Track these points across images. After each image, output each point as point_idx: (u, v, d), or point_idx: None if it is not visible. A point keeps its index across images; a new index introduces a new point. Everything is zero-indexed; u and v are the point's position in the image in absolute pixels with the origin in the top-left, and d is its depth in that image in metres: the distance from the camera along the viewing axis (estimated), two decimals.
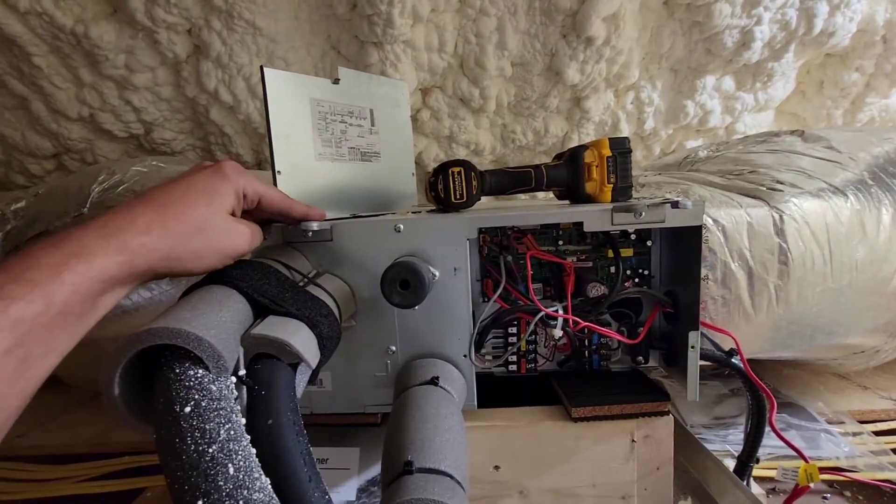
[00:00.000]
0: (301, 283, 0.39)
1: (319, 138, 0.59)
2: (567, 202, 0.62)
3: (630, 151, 0.53)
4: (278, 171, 0.54)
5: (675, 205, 0.39)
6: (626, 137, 0.53)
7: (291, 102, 0.56)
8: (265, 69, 0.52)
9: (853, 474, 0.63)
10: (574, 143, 1.38)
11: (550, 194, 0.61)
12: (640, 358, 0.52)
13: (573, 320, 0.44)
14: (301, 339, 0.30)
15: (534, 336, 0.52)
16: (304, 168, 0.57)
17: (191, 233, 0.31)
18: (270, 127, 0.53)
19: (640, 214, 0.39)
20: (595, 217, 0.42)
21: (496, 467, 0.48)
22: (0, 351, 0.22)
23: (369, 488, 0.46)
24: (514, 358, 0.53)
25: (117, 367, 0.25)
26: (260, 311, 0.32)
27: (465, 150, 1.38)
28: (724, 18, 1.03)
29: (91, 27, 1.03)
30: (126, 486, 0.68)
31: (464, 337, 0.45)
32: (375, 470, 0.47)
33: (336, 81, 0.60)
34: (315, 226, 0.42)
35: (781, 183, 0.54)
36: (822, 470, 0.64)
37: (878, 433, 0.71)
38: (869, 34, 1.14)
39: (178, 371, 0.24)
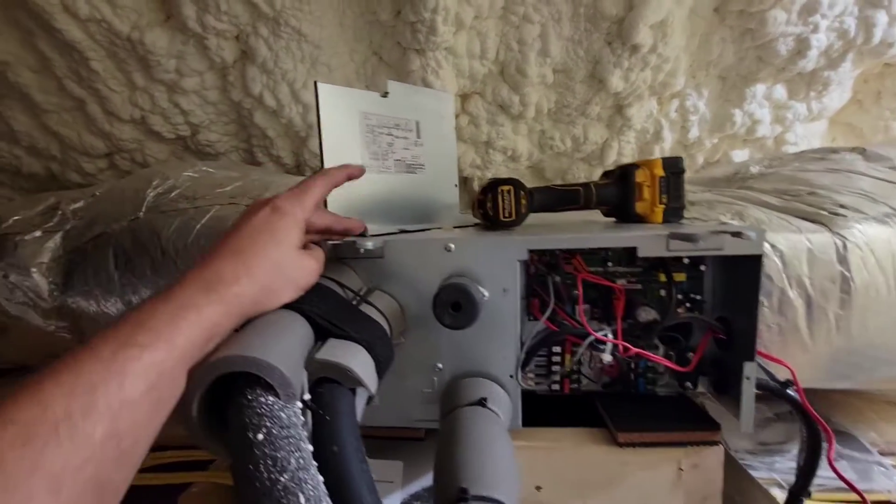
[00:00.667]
0: (355, 302, 0.40)
1: (367, 151, 0.60)
2: (613, 220, 0.61)
3: (683, 172, 0.52)
4: None
5: (735, 234, 0.38)
6: (680, 158, 0.51)
7: (342, 116, 0.57)
8: (319, 84, 0.53)
9: None
10: (614, 151, 1.35)
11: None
12: (689, 384, 0.50)
13: (624, 346, 0.43)
14: (361, 363, 0.31)
15: (584, 352, 0.51)
16: (352, 182, 0.58)
17: (271, 275, 0.33)
18: (322, 142, 0.54)
19: (698, 243, 0.38)
20: (650, 243, 0.41)
21: (538, 488, 0.48)
22: (139, 394, 0.24)
23: (412, 503, 0.46)
24: (557, 377, 0.52)
25: (196, 393, 0.26)
26: (321, 334, 0.33)
27: (501, 156, 1.37)
28: (778, 26, 0.99)
29: (146, 33, 1.07)
30: (172, 481, 0.70)
31: (510, 357, 0.45)
32: (418, 484, 0.48)
33: (385, 95, 0.61)
34: (370, 244, 0.43)
35: (844, 207, 0.51)
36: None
37: None
38: None
39: (250, 398, 0.25)
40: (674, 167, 0.51)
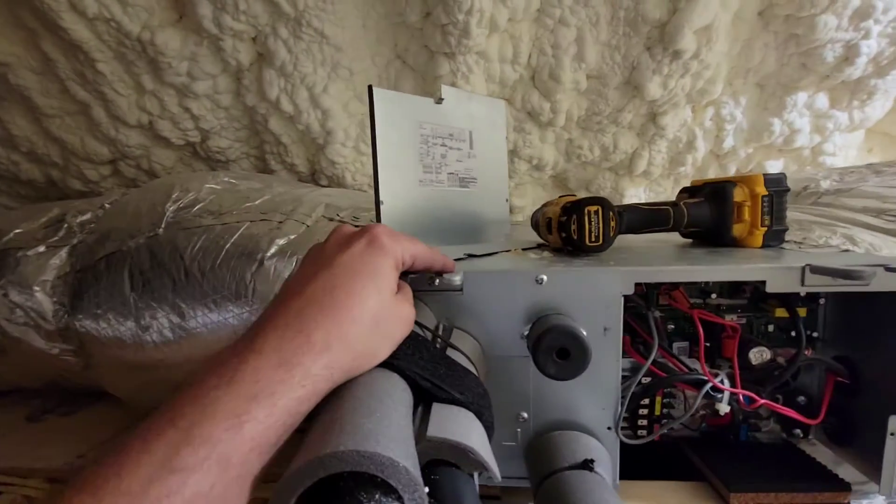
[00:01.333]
0: (438, 345, 0.34)
1: (421, 164, 0.54)
2: (692, 241, 0.55)
3: (788, 190, 0.46)
4: (382, 202, 0.49)
5: (889, 268, 0.33)
6: (783, 174, 0.46)
7: (397, 126, 0.50)
8: (374, 89, 0.47)
9: None
10: (644, 160, 1.29)
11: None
12: (799, 431, 0.44)
13: (748, 396, 0.37)
14: (480, 439, 0.25)
15: (669, 399, 0.45)
16: (404, 197, 0.52)
17: (368, 334, 0.26)
18: (377, 153, 0.48)
19: (857, 280, 0.32)
20: (780, 276, 0.35)
21: None
22: None
23: None
24: (644, 422, 0.46)
25: (293, 494, 0.19)
26: (420, 396, 0.27)
27: (526, 165, 1.31)
28: (828, 31, 0.95)
29: (157, 34, 1.01)
30: None
31: (609, 407, 0.39)
32: None
33: (440, 101, 0.55)
34: (458, 279, 0.36)
35: None
36: None
37: None
38: None
39: None
40: (777, 185, 0.45)
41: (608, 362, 0.38)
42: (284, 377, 0.22)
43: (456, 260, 0.43)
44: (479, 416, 0.27)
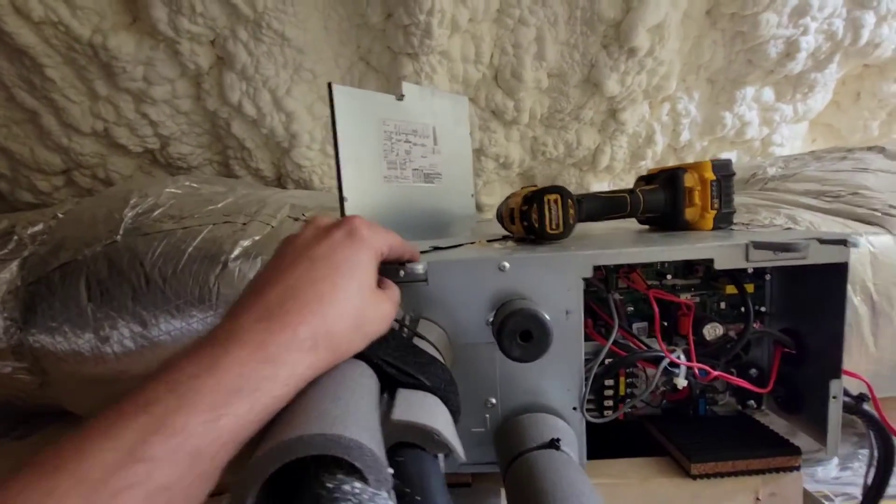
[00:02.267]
0: (405, 335, 0.34)
1: (385, 160, 0.54)
2: (647, 228, 0.57)
3: (733, 174, 0.48)
4: (345, 198, 0.49)
5: (840, 241, 0.35)
6: (729, 160, 0.48)
7: (359, 122, 0.51)
8: (334, 86, 0.47)
9: None
10: (606, 156, 1.33)
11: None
12: (753, 402, 0.47)
13: (702, 369, 0.39)
14: (445, 422, 0.25)
15: (632, 379, 0.47)
16: (370, 193, 0.52)
17: (352, 332, 0.25)
18: (339, 150, 0.48)
19: (794, 252, 0.34)
20: (727, 253, 0.37)
21: None
22: None
23: None
24: (610, 402, 0.48)
25: (257, 481, 0.19)
26: (386, 383, 0.27)
27: (493, 163, 1.33)
28: (770, 28, 1.00)
29: (109, 38, 0.97)
30: None
31: (574, 388, 0.40)
32: None
33: (401, 97, 0.55)
34: (420, 268, 0.37)
35: (894, 207, 0.50)
36: None
37: None
38: None
39: (330, 487, 0.19)
40: (724, 170, 0.47)
41: (571, 344, 0.39)
42: (270, 374, 0.22)
43: (422, 252, 0.44)
44: (446, 401, 0.28)
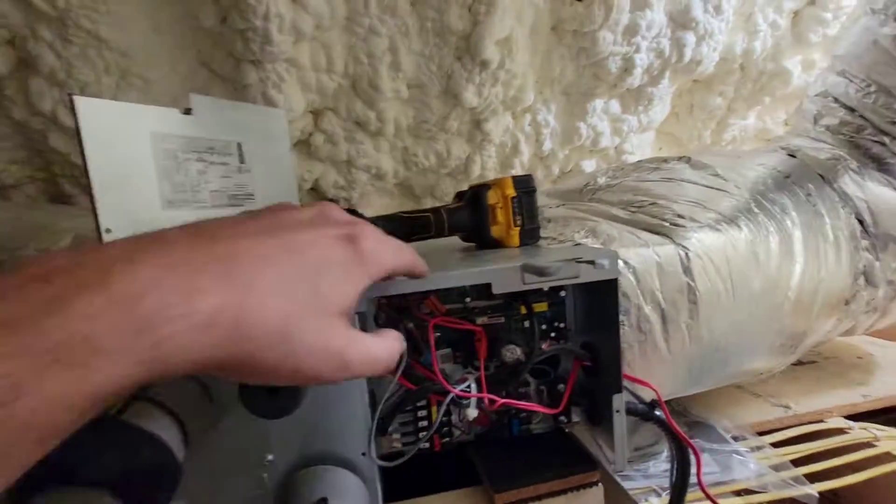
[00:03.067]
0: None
1: (168, 182, 0.47)
2: (473, 245, 0.56)
3: (535, 190, 0.48)
4: (106, 230, 0.42)
5: (589, 262, 0.35)
6: (530, 175, 0.48)
7: (123, 140, 0.43)
8: (76, 98, 0.40)
9: (763, 496, 0.64)
10: (477, 165, 1.35)
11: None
12: (563, 418, 0.47)
13: (489, 399, 0.38)
14: None
15: (447, 407, 0.45)
16: (145, 222, 0.45)
17: (274, 340, 0.19)
18: (90, 174, 0.40)
19: (551, 276, 0.34)
20: (504, 277, 0.36)
21: None
22: None
23: None
24: (426, 433, 0.45)
25: None
26: None
27: (366, 175, 1.29)
28: (607, 45, 1.07)
29: None
30: None
31: (361, 432, 0.37)
32: None
33: (188, 111, 0.49)
34: None
35: (681, 217, 0.53)
36: (738, 493, 0.64)
37: (775, 444, 0.73)
38: (729, 62, 1.26)
39: None
40: (525, 185, 0.47)
41: (352, 385, 0.36)
42: (132, 340, 0.16)
43: None
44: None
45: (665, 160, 0.75)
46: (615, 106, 1.25)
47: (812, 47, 1.31)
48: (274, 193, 0.58)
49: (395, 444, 0.44)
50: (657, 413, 0.44)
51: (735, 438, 0.73)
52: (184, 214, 0.48)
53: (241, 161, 0.54)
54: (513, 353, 0.41)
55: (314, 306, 0.21)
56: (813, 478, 0.66)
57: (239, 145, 0.54)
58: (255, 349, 0.19)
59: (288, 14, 0.88)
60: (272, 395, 0.30)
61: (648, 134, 1.40)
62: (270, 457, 0.36)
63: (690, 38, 1.12)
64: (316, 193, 1.32)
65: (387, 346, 0.25)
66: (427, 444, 0.45)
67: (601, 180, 0.75)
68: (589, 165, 1.39)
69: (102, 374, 0.16)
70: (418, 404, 0.44)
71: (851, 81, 0.75)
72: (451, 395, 0.37)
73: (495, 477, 0.41)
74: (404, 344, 0.27)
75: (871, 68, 0.72)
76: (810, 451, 0.71)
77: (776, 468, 0.67)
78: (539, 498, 0.41)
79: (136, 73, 0.97)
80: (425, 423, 0.45)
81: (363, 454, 0.37)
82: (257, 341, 0.19)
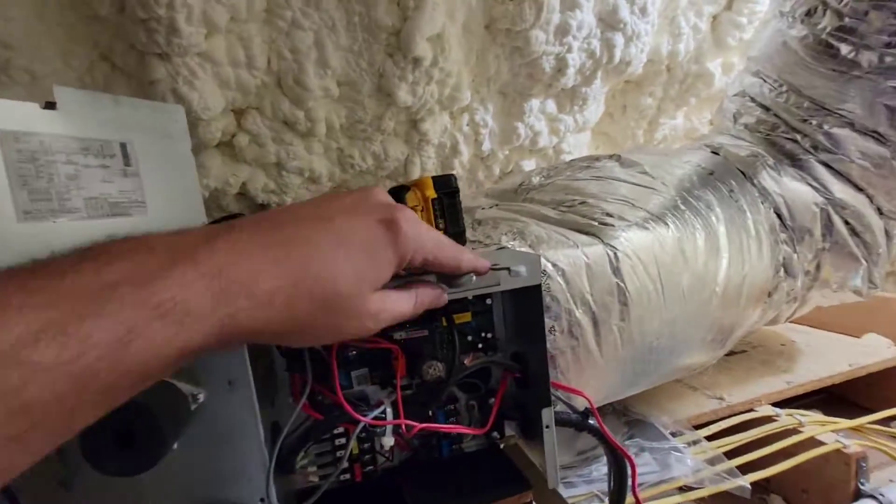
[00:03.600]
0: None
1: (24, 190, 0.40)
2: None
3: (457, 191, 0.45)
4: None
5: (506, 269, 0.32)
6: (452, 175, 0.45)
7: None
8: None
9: (701, 491, 0.64)
10: (416, 167, 1.31)
11: None
12: (496, 434, 0.44)
13: (406, 425, 0.34)
14: None
15: (365, 433, 0.41)
16: None
17: (319, 312, 0.25)
18: None
19: (467, 286, 0.31)
20: None
21: None
22: None
23: None
24: (345, 463, 0.41)
25: None
26: None
27: (299, 178, 1.22)
28: (540, 45, 1.07)
29: None
30: None
31: (257, 474, 0.32)
32: None
33: (50, 106, 0.42)
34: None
35: (610, 216, 0.52)
36: (680, 489, 0.64)
37: (709, 437, 0.75)
38: (656, 64, 1.29)
39: None
40: (445, 186, 0.44)
41: (241, 422, 0.31)
42: (211, 308, 0.20)
43: None
44: None
45: (597, 158, 0.74)
46: (551, 106, 1.25)
47: (731, 50, 1.38)
48: (172, 198, 0.51)
49: (311, 477, 0.39)
50: (591, 422, 0.42)
51: (673, 434, 0.74)
52: (44, 228, 0.40)
53: (127, 163, 0.47)
54: (435, 369, 0.37)
55: (355, 284, 0.26)
56: (746, 468, 0.67)
57: (123, 145, 0.47)
58: (304, 323, 0.24)
59: (197, 4, 0.80)
60: (124, 447, 0.24)
61: (585, 134, 1.41)
62: None
63: (619, 38, 1.14)
64: (244, 198, 1.23)
65: (409, 297, 0.31)
66: (347, 476, 0.41)
67: (535, 179, 0.73)
68: (529, 165, 1.38)
69: (190, 333, 0.20)
70: (335, 432, 0.39)
71: (765, 81, 0.78)
72: (361, 425, 0.33)
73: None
74: (432, 289, 0.31)
75: (782, 69, 0.75)
76: (742, 441, 0.73)
77: (711, 462, 0.68)
78: None
79: (22, 66, 0.85)
80: (343, 451, 0.40)
81: (262, 500, 0.32)
82: (306, 316, 0.24)
